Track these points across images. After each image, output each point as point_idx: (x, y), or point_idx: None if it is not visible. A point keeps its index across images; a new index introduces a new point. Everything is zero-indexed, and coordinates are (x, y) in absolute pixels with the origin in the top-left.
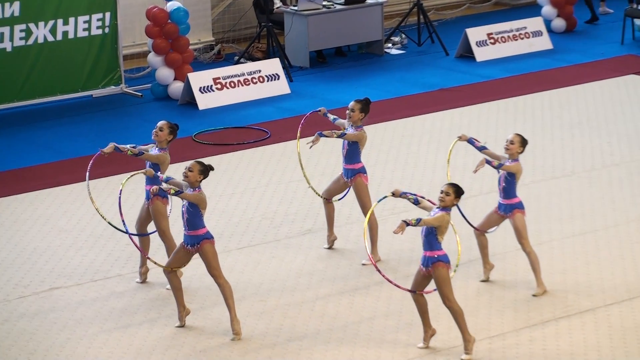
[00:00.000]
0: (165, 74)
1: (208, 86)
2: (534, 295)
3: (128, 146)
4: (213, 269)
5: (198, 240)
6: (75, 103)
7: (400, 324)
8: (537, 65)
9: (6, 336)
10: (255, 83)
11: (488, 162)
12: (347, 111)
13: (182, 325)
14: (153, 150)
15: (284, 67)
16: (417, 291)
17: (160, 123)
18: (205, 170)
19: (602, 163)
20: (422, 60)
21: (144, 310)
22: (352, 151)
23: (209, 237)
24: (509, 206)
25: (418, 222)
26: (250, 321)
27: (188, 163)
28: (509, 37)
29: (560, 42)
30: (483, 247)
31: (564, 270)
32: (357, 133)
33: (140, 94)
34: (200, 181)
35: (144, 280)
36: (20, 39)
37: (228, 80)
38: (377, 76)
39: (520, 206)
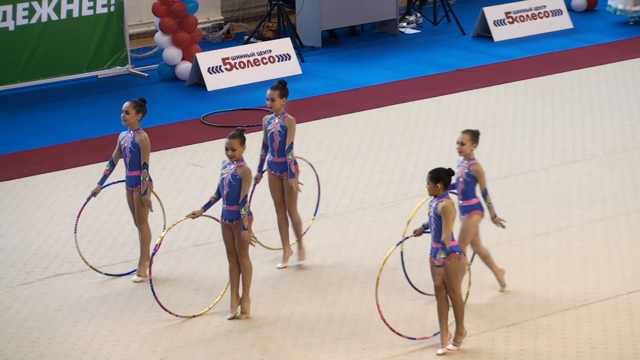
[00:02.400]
0: (172, 54)
1: (217, 66)
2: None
3: (105, 170)
4: (241, 248)
5: (237, 216)
6: (80, 84)
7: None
8: (556, 45)
9: (9, 323)
10: (266, 63)
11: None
12: (267, 102)
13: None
14: (128, 134)
15: (295, 47)
16: (417, 338)
17: (125, 105)
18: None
19: (623, 146)
20: (437, 40)
21: (150, 298)
22: (284, 143)
23: (248, 213)
24: (468, 207)
25: (445, 250)
26: (262, 307)
27: (225, 143)
28: (527, 16)
29: (581, 22)
30: (485, 257)
31: (584, 257)
32: (290, 125)
33: (147, 74)
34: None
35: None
36: (24, 17)
37: (237, 61)
38: (392, 56)
39: (479, 207)
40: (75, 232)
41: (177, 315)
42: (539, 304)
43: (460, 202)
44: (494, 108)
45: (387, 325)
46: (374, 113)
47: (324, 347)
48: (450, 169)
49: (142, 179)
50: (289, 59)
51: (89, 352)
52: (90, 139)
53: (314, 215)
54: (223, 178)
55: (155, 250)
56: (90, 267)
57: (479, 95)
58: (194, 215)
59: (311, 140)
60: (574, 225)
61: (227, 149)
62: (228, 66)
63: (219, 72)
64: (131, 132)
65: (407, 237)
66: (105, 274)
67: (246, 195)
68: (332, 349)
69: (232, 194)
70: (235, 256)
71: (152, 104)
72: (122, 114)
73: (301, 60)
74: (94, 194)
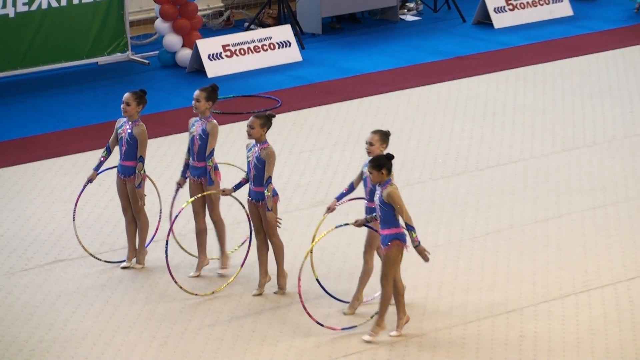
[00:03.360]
0: (173, 40)
1: (217, 53)
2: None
3: (101, 157)
4: (269, 227)
5: (263, 197)
6: (80, 71)
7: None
8: (557, 32)
9: (9, 309)
10: (266, 50)
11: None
12: (193, 102)
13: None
14: (126, 124)
15: (295, 34)
16: (324, 325)
17: (125, 96)
18: (267, 120)
19: (623, 133)
20: (438, 27)
21: (151, 284)
22: (204, 147)
23: (274, 194)
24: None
25: (414, 231)
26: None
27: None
28: (528, 3)
29: (581, 9)
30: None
31: (584, 244)
32: (212, 130)
33: (147, 61)
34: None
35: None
36: (24, 4)
37: (238, 48)
38: (392, 43)
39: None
40: (73, 220)
41: (196, 295)
42: (539, 290)
43: (368, 203)
44: (494, 95)
45: (306, 310)
46: (374, 100)
47: (323, 335)
48: (390, 154)
49: (137, 171)
50: (289, 46)
51: (89, 338)
52: (90, 126)
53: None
54: (249, 161)
55: (172, 222)
56: (90, 254)
57: (479, 82)
58: (223, 192)
59: (311, 127)
60: (574, 212)
61: (247, 126)
62: (228, 53)
63: (219, 59)
64: (130, 122)
65: (346, 224)
66: (105, 261)
67: (270, 177)
68: (345, 341)
69: (259, 176)
70: (263, 234)
71: (153, 90)
72: (122, 105)
73: (301, 47)
74: (90, 180)
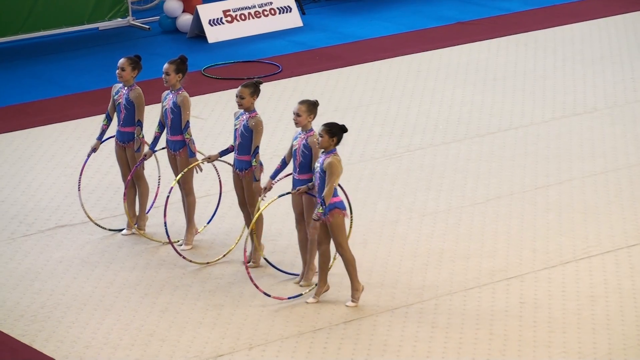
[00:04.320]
0: (173, 6)
1: (218, 19)
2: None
3: (103, 125)
4: (250, 198)
5: (247, 166)
6: (81, 36)
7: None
8: None
9: (10, 275)
10: (267, 16)
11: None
12: (163, 75)
13: None
14: (122, 90)
15: (296, 0)
16: (271, 295)
17: (120, 62)
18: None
19: (624, 99)
20: None
21: (151, 250)
22: (177, 121)
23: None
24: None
25: (324, 206)
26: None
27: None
28: None
29: None
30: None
31: (585, 210)
32: (183, 103)
33: (148, 26)
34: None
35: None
36: None
37: (238, 13)
38: (392, 9)
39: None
40: (79, 190)
41: (191, 262)
42: (540, 256)
43: (297, 175)
44: (495, 61)
45: (252, 280)
46: (375, 65)
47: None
48: (344, 126)
49: (135, 136)
50: (290, 11)
51: (90, 303)
52: (91, 91)
53: (208, 222)
54: (236, 128)
55: (167, 196)
56: (96, 224)
57: (480, 47)
58: (209, 159)
59: (312, 93)
60: (575, 178)
61: (236, 96)
62: (229, 18)
63: (219, 24)
64: (126, 87)
65: (288, 192)
66: (109, 229)
67: (257, 147)
68: (341, 310)
69: (244, 144)
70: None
71: (153, 56)
72: (117, 71)
73: (302, 12)
74: (94, 149)
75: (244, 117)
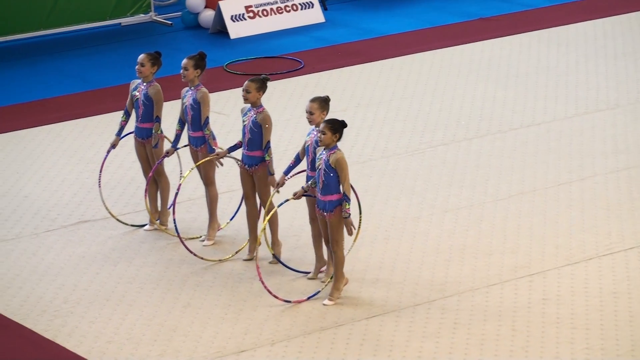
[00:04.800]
0: (196, 1)
1: (240, 14)
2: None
3: (122, 122)
4: (262, 193)
5: (256, 162)
6: (103, 32)
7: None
8: None
9: (34, 270)
10: (289, 11)
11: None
12: (181, 71)
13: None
14: (141, 86)
15: None
16: (292, 301)
17: (140, 57)
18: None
19: None
20: None
21: (173, 245)
22: (197, 117)
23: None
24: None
25: (348, 202)
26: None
27: (244, 85)
28: None
29: None
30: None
31: (608, 206)
32: (203, 99)
33: (170, 22)
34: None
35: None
36: None
37: (260, 9)
38: (414, 5)
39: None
40: (99, 187)
41: (205, 259)
42: (563, 253)
43: (310, 172)
44: (517, 57)
45: (265, 287)
46: (397, 61)
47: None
48: (344, 122)
49: (154, 132)
50: (312, 7)
51: (113, 298)
52: (113, 87)
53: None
54: (245, 125)
55: (175, 196)
56: (117, 220)
57: (502, 44)
58: (217, 156)
59: (334, 88)
60: (597, 174)
61: (242, 90)
62: (251, 14)
63: (242, 20)
64: (144, 83)
65: (287, 200)
66: (131, 225)
67: (269, 141)
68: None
69: (254, 140)
70: (253, 200)
71: (175, 51)
72: (137, 66)
73: (324, 8)
74: (113, 146)
75: (252, 112)
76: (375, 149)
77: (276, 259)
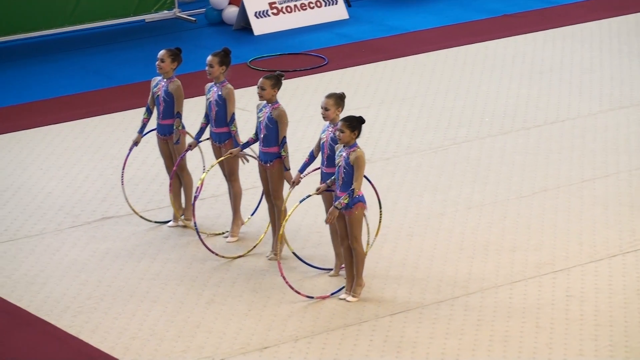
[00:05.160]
0: None
1: (264, 11)
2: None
3: (144, 119)
4: (274, 190)
5: (272, 158)
6: (127, 28)
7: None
8: None
9: (57, 267)
10: (312, 8)
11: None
12: (206, 67)
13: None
14: (161, 82)
15: None
16: (315, 297)
17: (160, 53)
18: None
19: None
20: None
21: (197, 242)
22: (221, 113)
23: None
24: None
25: (352, 198)
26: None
27: (259, 82)
28: None
29: None
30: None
31: (632, 204)
32: (228, 95)
33: (194, 19)
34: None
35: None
36: None
37: (284, 5)
38: (439, 1)
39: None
40: (122, 184)
41: (222, 257)
42: (586, 250)
43: (325, 168)
44: (541, 53)
45: (287, 283)
46: (421, 58)
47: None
48: (362, 117)
49: (175, 127)
50: (336, 4)
51: (137, 294)
52: (137, 83)
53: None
54: (260, 121)
55: (197, 193)
56: (140, 216)
57: (526, 40)
58: (231, 154)
59: (358, 85)
60: (621, 171)
61: (257, 87)
62: (275, 10)
63: (265, 16)
64: (165, 80)
65: (309, 195)
66: (155, 221)
67: (284, 137)
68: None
69: (269, 136)
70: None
71: (199, 48)
72: (157, 62)
73: (348, 4)
74: (136, 143)
75: (267, 109)
76: (399, 145)
77: (296, 256)
